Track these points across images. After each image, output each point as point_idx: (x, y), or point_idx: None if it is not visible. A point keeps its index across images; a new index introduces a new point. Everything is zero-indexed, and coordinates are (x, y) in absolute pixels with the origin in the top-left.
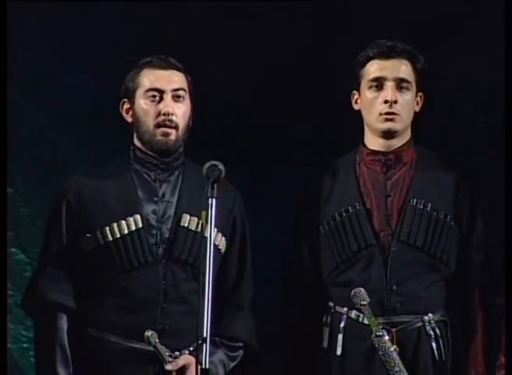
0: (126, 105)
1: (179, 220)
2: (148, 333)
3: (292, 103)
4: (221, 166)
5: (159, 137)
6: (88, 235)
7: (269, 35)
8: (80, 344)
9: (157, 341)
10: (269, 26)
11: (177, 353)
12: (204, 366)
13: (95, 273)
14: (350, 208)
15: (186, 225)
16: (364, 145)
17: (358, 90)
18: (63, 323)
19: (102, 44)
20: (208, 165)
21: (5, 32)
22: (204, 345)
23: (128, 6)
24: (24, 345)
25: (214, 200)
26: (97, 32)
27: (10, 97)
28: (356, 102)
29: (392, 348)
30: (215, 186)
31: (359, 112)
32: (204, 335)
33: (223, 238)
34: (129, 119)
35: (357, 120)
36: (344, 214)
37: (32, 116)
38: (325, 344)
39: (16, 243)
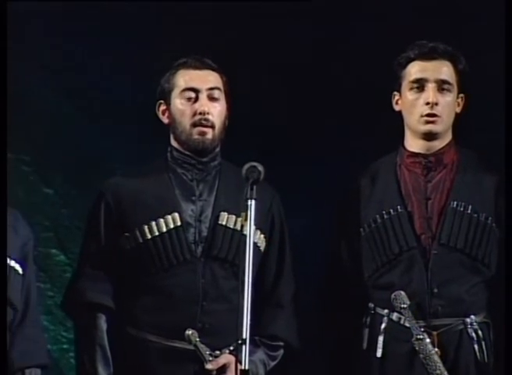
0: (163, 107)
1: (218, 218)
2: (189, 331)
3: (330, 103)
4: (260, 168)
5: (196, 137)
6: (127, 234)
7: (306, 34)
8: (120, 344)
9: (197, 339)
10: (304, 26)
11: (217, 352)
12: (243, 367)
13: (134, 272)
14: (391, 210)
15: (224, 223)
16: (404, 147)
17: (399, 91)
18: (103, 323)
19: (139, 45)
20: (247, 166)
21: (6, 32)
22: (244, 346)
23: (163, 7)
24: (64, 346)
25: (253, 201)
26: (135, 33)
27: (48, 98)
28: (396, 103)
29: (433, 351)
30: (255, 187)
31: (399, 113)
32: (244, 336)
33: (262, 236)
34: (165, 120)
35: (396, 121)
36: (386, 216)
37: (71, 116)
38: (365, 345)
39: (56, 244)
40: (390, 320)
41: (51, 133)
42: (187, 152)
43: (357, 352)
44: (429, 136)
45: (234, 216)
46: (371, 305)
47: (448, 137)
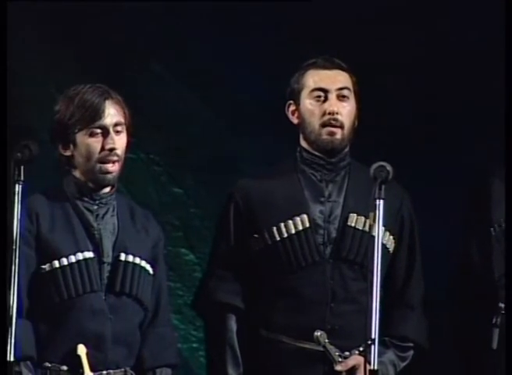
0: (292, 107)
1: (347, 220)
2: (318, 333)
3: (458, 102)
4: (388, 167)
5: (325, 137)
6: (256, 235)
7: (440, 32)
8: (249, 344)
9: (326, 341)
10: (428, 26)
11: (347, 353)
12: (372, 367)
13: (263, 273)
14: None
15: (353, 224)
16: None
17: None
18: (233, 324)
19: (269, 46)
20: (375, 166)
21: (6, 32)
22: (373, 346)
23: (301, 9)
24: (194, 345)
25: (381, 201)
26: (265, 34)
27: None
28: None
29: None
30: (383, 187)
31: None
32: (373, 336)
33: (391, 237)
34: (295, 120)
35: None
36: None
37: (202, 117)
38: (495, 345)
39: (186, 243)
40: None
41: (181, 134)
42: (316, 153)
43: (487, 352)
44: None
45: (363, 218)
46: (502, 305)
47: None
